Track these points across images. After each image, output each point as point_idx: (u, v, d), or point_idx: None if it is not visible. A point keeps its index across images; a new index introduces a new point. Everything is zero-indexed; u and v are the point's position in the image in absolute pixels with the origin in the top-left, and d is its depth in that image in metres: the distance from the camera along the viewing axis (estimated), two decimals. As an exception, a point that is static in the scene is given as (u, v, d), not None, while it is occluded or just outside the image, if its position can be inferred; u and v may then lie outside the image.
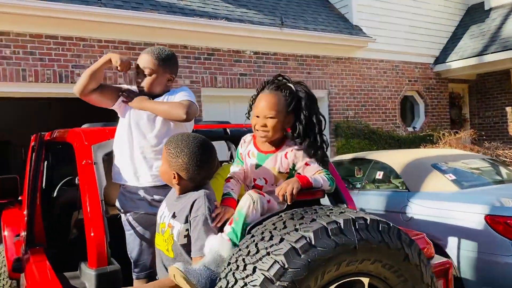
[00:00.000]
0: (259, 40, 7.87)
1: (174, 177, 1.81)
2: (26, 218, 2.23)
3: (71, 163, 2.32)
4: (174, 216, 1.80)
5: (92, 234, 1.79)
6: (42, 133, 2.42)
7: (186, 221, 1.75)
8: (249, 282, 1.34)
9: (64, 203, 3.21)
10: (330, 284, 1.43)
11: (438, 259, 2.48)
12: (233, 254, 1.47)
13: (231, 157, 4.20)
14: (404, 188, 4.53)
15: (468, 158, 5.08)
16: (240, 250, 1.45)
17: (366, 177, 5.10)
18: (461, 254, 3.81)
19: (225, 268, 1.45)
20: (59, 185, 3.55)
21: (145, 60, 2.25)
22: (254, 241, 1.43)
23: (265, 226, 1.49)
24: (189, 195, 1.81)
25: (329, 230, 1.37)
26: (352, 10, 9.30)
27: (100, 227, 1.81)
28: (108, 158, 2.22)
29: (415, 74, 10.27)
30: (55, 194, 3.46)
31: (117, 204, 2.22)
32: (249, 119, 2.02)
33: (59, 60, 6.23)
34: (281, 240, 1.37)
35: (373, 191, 4.86)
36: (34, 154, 2.29)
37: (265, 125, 1.90)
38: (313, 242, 1.35)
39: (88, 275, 1.79)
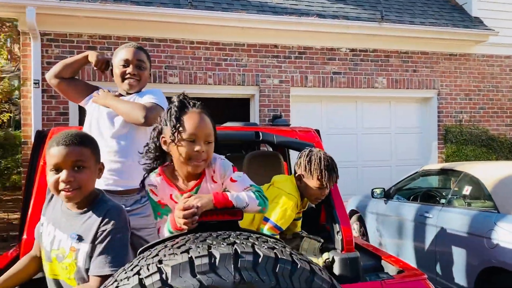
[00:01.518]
0: (356, 36, 7.39)
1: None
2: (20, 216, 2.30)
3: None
4: (79, 238, 1.51)
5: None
6: (42, 130, 2.48)
7: (95, 239, 1.48)
8: None
9: None
10: None
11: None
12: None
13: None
14: (493, 208, 3.77)
15: None
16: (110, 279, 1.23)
17: (452, 192, 4.39)
18: (557, 298, 3.03)
19: None
20: None
21: (139, 55, 2.21)
22: (123, 270, 1.19)
23: (149, 251, 1.24)
24: (94, 209, 1.54)
25: (195, 265, 1.08)
26: (471, 0, 8.19)
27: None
28: None
29: (553, 71, 8.65)
30: None
31: None
32: (174, 142, 1.60)
33: (153, 62, 6.60)
34: (137, 273, 1.12)
35: (457, 209, 4.15)
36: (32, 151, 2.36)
37: (202, 152, 1.59)
38: (169, 280, 1.07)
39: None
